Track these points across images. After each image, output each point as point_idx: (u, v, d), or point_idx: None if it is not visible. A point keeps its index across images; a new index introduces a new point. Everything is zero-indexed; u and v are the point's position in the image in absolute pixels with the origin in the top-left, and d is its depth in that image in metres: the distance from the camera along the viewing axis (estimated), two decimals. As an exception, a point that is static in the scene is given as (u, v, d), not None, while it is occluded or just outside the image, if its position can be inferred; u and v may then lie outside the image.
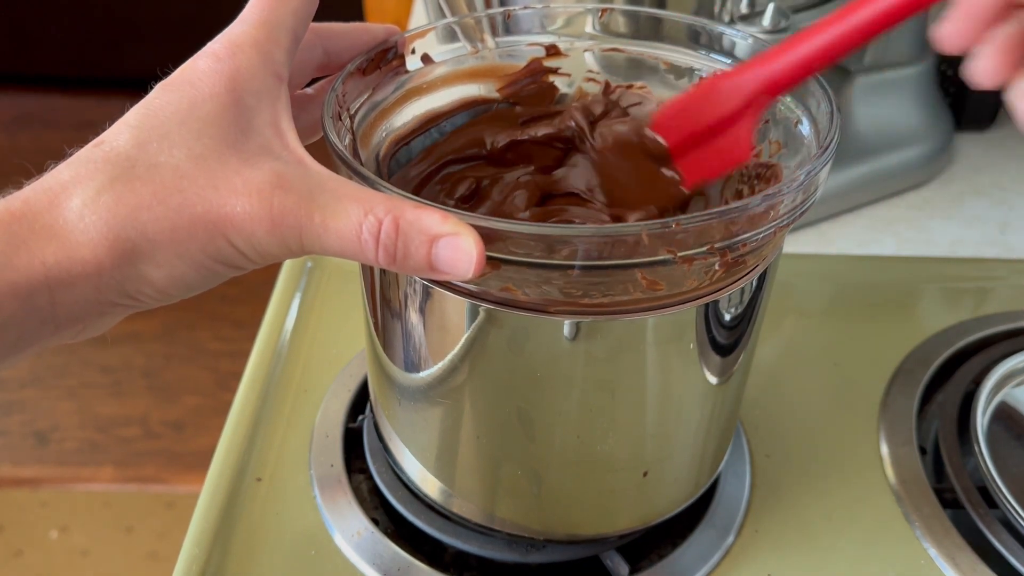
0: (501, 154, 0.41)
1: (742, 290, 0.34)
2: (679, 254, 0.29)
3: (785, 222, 0.31)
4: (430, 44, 0.40)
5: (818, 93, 0.35)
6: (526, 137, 0.41)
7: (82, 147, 0.28)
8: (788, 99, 0.37)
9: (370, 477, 0.48)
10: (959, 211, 0.70)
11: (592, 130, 0.40)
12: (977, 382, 0.52)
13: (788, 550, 0.44)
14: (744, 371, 0.40)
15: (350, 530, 0.45)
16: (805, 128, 0.36)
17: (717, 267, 0.30)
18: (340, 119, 0.35)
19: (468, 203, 0.39)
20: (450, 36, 0.41)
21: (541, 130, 0.41)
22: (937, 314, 0.59)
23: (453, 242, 0.27)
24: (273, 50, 0.30)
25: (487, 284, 0.31)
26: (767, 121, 0.37)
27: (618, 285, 0.30)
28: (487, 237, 0.28)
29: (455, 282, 0.32)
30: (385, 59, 0.38)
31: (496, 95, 0.42)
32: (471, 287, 0.32)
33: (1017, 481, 0.47)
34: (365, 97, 0.37)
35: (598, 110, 0.41)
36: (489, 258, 0.29)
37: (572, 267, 0.29)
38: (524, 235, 0.28)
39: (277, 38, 0.30)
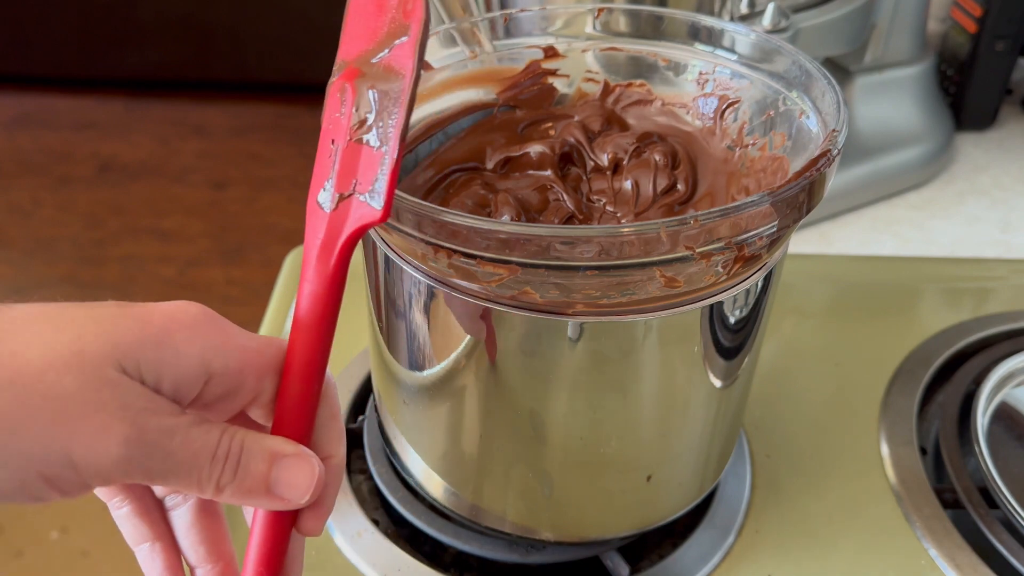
0: (501, 167, 0.41)
1: (747, 291, 0.34)
2: (698, 250, 0.29)
3: (798, 215, 0.31)
4: (429, 50, 0.40)
5: (822, 84, 0.35)
6: (521, 154, 0.41)
7: None
8: (794, 92, 0.37)
9: (370, 477, 0.48)
10: (959, 211, 0.70)
11: (592, 146, 0.40)
12: (978, 382, 0.52)
13: (789, 550, 0.44)
14: (748, 376, 0.40)
15: (350, 530, 0.45)
16: (812, 122, 0.35)
17: (734, 261, 0.31)
18: None
19: (482, 210, 0.39)
20: (449, 41, 0.41)
21: (539, 147, 0.41)
22: (937, 314, 0.59)
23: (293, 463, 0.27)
24: None
25: (506, 287, 0.31)
26: (771, 114, 0.38)
27: (637, 284, 0.30)
28: (507, 241, 0.28)
29: (470, 285, 0.32)
30: None
31: (496, 99, 0.42)
32: (489, 290, 0.32)
33: (1017, 481, 0.47)
34: None
35: (596, 126, 0.41)
36: (508, 262, 0.29)
37: (592, 268, 0.29)
38: (544, 238, 0.28)
39: None
